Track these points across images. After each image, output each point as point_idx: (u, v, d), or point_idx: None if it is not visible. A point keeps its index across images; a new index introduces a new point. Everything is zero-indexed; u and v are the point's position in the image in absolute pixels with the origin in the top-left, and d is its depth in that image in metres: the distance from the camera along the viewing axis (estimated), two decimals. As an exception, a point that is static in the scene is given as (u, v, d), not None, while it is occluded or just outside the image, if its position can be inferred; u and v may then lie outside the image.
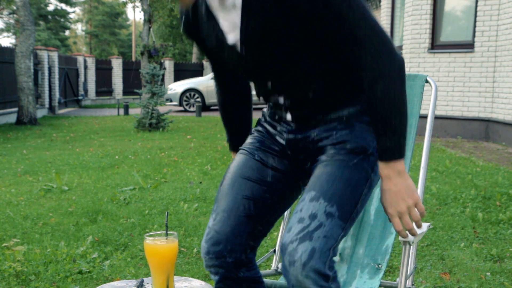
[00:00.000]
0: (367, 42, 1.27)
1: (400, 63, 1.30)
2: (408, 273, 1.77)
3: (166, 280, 1.42)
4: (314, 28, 1.30)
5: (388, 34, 1.42)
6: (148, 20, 11.62)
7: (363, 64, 1.29)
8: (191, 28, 1.53)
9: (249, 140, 1.62)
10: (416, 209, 1.32)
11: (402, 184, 1.31)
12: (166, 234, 1.43)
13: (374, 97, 1.30)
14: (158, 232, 1.44)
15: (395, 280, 2.23)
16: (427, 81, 2.15)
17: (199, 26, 1.49)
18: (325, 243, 1.30)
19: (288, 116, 1.49)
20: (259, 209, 1.50)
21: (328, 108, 1.45)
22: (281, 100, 1.47)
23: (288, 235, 1.32)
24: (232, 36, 1.40)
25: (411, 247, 1.73)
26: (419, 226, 1.35)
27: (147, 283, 1.56)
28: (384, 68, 1.28)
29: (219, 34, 1.42)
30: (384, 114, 1.29)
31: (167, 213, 1.52)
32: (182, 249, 3.36)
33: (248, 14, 1.33)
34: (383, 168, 1.32)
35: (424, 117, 2.16)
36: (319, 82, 1.40)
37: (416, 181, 2.03)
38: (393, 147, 1.30)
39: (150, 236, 1.42)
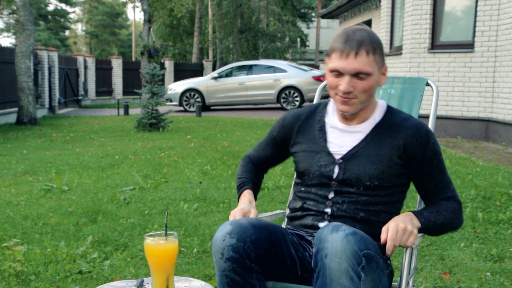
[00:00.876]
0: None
1: (461, 222, 1.78)
2: (409, 273, 1.77)
3: (166, 280, 1.42)
4: (412, 176, 1.76)
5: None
6: (148, 20, 11.61)
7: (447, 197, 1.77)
8: (294, 125, 1.86)
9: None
10: (409, 238, 1.59)
11: (412, 222, 1.64)
12: (166, 234, 1.42)
13: (445, 211, 1.72)
14: (158, 232, 1.43)
15: (395, 281, 2.23)
16: (428, 84, 2.17)
17: (299, 132, 1.85)
18: None
19: (322, 225, 1.75)
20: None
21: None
22: (328, 210, 1.74)
23: None
24: (334, 149, 1.76)
25: (413, 248, 1.74)
26: (400, 245, 1.60)
27: (147, 283, 1.55)
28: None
29: (322, 143, 1.78)
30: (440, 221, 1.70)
31: (167, 213, 1.52)
32: (182, 249, 3.36)
33: (370, 140, 1.73)
34: (412, 215, 1.68)
35: (425, 117, 2.17)
36: (375, 210, 1.73)
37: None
38: (425, 224, 1.68)
39: (150, 236, 1.42)
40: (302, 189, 1.81)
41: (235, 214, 1.72)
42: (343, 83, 1.64)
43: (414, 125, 1.71)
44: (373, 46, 1.64)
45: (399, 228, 1.57)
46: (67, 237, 3.63)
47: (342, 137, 1.76)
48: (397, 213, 1.80)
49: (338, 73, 1.65)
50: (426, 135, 1.70)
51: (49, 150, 8.07)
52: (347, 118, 1.75)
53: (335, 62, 1.64)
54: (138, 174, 5.84)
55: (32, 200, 4.76)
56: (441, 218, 1.68)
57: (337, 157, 1.73)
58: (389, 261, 1.71)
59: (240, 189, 1.92)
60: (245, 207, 1.76)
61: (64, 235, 3.69)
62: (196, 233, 3.70)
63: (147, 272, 2.99)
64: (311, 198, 1.77)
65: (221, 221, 3.99)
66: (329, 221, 1.71)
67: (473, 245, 3.35)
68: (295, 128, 1.84)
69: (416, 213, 1.66)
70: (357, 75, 1.63)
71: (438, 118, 8.81)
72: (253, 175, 1.97)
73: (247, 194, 1.86)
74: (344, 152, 1.73)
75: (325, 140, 1.77)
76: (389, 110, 1.78)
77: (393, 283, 1.94)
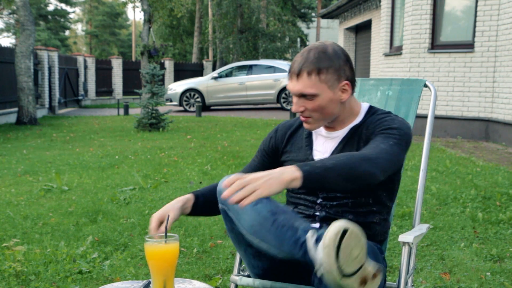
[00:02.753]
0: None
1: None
2: (408, 273, 1.77)
3: (163, 283, 1.40)
4: None
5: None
6: (148, 20, 11.61)
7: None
8: (282, 140, 1.87)
9: None
10: (245, 194, 1.35)
11: (274, 180, 1.38)
12: (166, 237, 1.42)
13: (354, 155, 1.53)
14: (159, 234, 1.42)
15: (395, 281, 2.23)
16: (426, 85, 2.18)
17: (288, 142, 1.85)
18: None
19: (315, 225, 1.72)
20: None
21: None
22: (318, 213, 1.74)
23: None
24: (318, 157, 1.75)
25: (411, 247, 1.74)
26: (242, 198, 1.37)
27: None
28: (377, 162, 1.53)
29: (308, 151, 1.79)
30: (342, 163, 1.47)
31: (168, 216, 1.50)
32: (182, 249, 3.36)
33: (345, 143, 1.73)
34: (294, 169, 1.41)
35: (423, 117, 2.17)
36: (364, 211, 1.71)
37: (416, 181, 2.03)
38: (310, 170, 1.42)
39: (150, 237, 1.41)
40: (292, 194, 1.83)
41: (151, 223, 1.61)
42: (294, 104, 1.70)
43: (382, 116, 1.72)
44: (318, 67, 1.61)
45: (244, 180, 1.36)
46: (67, 237, 3.63)
47: (325, 144, 1.78)
48: (388, 212, 1.80)
49: (291, 93, 1.70)
50: (385, 118, 1.70)
51: (49, 150, 8.07)
52: (329, 126, 1.77)
53: (288, 83, 1.69)
54: (138, 174, 5.83)
55: (32, 200, 4.76)
56: (335, 160, 1.46)
57: None
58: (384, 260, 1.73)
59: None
60: (155, 217, 1.62)
61: (64, 235, 3.69)
62: (196, 233, 3.70)
63: (147, 272, 2.99)
64: (301, 203, 1.79)
65: (221, 221, 3.99)
66: (320, 224, 1.72)
67: (473, 245, 3.35)
68: (285, 138, 1.86)
69: (299, 164, 1.44)
70: (304, 96, 1.65)
71: (438, 118, 8.81)
72: (209, 189, 1.82)
73: (180, 197, 1.74)
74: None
75: (311, 148, 1.79)
76: (370, 111, 1.78)
77: (392, 282, 1.95)
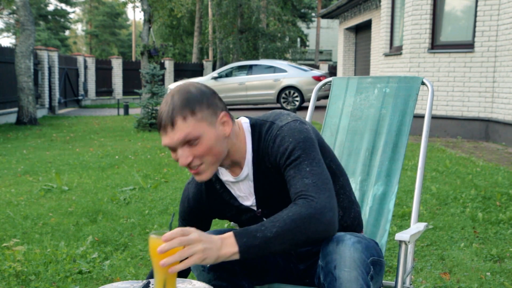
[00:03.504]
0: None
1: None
2: (406, 272, 1.77)
3: (164, 280, 1.39)
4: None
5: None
6: (148, 20, 11.62)
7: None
8: (203, 202, 1.73)
9: None
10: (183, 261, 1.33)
11: (212, 252, 1.35)
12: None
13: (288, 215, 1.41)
14: (163, 231, 1.40)
15: (393, 280, 2.23)
16: (423, 83, 2.18)
17: (211, 200, 1.72)
18: None
19: (281, 260, 1.73)
20: None
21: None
22: None
23: None
24: (249, 201, 1.65)
25: (408, 246, 1.74)
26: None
27: (153, 285, 1.55)
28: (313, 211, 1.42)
29: (235, 202, 1.67)
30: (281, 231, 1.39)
31: (173, 214, 1.50)
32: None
33: (258, 183, 1.60)
34: (232, 242, 1.37)
35: (422, 117, 2.18)
36: None
37: (414, 181, 2.04)
38: (249, 243, 1.37)
39: (156, 233, 1.40)
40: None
41: None
42: (179, 158, 1.50)
43: (273, 142, 1.55)
44: (190, 108, 1.48)
45: (185, 239, 1.31)
46: (67, 237, 3.63)
47: (242, 188, 1.65)
48: (345, 197, 1.71)
49: (171, 148, 1.51)
50: (277, 136, 1.54)
51: (49, 150, 8.07)
52: (227, 169, 1.64)
53: (163, 139, 1.51)
54: (138, 174, 5.83)
55: (32, 200, 4.76)
56: (276, 226, 1.38)
57: (255, 208, 1.67)
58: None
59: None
60: None
61: (64, 235, 3.69)
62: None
63: (147, 272, 2.99)
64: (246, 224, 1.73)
65: (221, 221, 3.99)
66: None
67: (473, 245, 3.35)
68: (204, 204, 1.74)
69: (237, 233, 1.39)
70: (187, 143, 1.49)
71: (438, 118, 8.81)
72: None
73: None
74: (255, 203, 1.65)
75: (235, 199, 1.67)
76: (254, 133, 1.61)
77: (390, 282, 1.95)
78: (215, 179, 1.69)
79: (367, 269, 1.43)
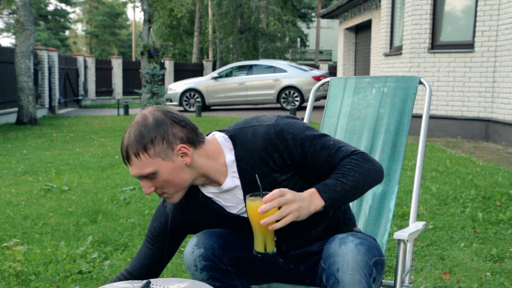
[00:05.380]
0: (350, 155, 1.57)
1: (379, 166, 1.57)
2: (405, 271, 1.77)
3: (264, 239, 1.45)
4: (306, 175, 1.59)
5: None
6: (148, 20, 11.62)
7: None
8: (185, 217, 1.74)
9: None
10: (282, 215, 1.40)
11: (303, 209, 1.44)
12: (261, 195, 1.43)
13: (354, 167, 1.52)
14: (257, 193, 1.45)
15: (392, 279, 2.23)
16: (421, 82, 2.18)
17: (193, 213, 1.72)
18: None
19: (280, 260, 1.74)
20: None
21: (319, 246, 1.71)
22: (283, 247, 1.70)
23: None
24: (236, 209, 1.65)
25: (407, 245, 1.74)
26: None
27: (153, 285, 1.55)
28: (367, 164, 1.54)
29: (225, 212, 1.66)
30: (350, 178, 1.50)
31: (257, 176, 1.52)
32: (182, 249, 3.36)
33: (248, 189, 1.58)
34: (318, 197, 1.47)
35: (421, 117, 2.18)
36: (319, 224, 1.66)
37: (414, 181, 2.04)
38: (332, 196, 1.48)
39: (252, 195, 1.45)
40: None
41: None
42: (142, 187, 1.57)
43: (263, 139, 1.56)
44: (142, 144, 1.49)
45: (283, 199, 1.39)
46: (67, 237, 3.63)
47: (228, 198, 1.65)
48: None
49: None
50: (279, 139, 1.55)
51: (49, 150, 8.07)
52: (207, 184, 1.64)
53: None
54: (138, 174, 5.83)
55: (32, 200, 4.76)
56: (351, 179, 1.49)
57: (244, 215, 1.65)
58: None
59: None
60: None
61: (64, 235, 3.69)
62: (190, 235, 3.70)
63: (147, 272, 2.99)
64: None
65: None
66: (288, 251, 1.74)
67: (473, 245, 3.35)
68: (184, 218, 1.74)
69: (319, 189, 1.48)
70: (146, 177, 1.54)
71: (438, 118, 8.81)
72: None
73: None
74: (244, 210, 1.63)
75: (222, 208, 1.66)
76: (234, 141, 1.61)
77: (389, 281, 1.95)
78: (196, 192, 1.68)
79: (369, 271, 1.43)
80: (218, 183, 1.62)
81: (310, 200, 1.45)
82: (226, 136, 1.63)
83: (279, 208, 1.40)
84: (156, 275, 1.80)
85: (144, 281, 1.52)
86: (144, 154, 1.50)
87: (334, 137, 1.61)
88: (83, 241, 3.50)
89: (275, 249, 1.47)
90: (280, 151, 1.54)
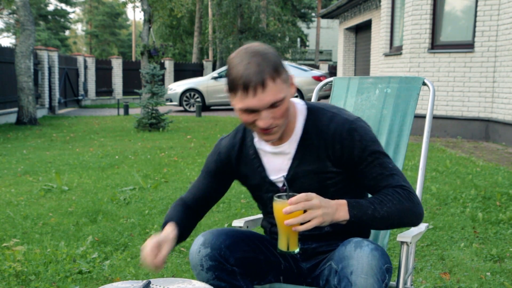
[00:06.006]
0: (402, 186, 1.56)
1: (421, 212, 1.56)
2: (407, 273, 1.77)
3: (287, 238, 1.47)
4: (349, 174, 1.61)
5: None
6: (148, 20, 11.61)
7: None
8: (231, 165, 1.75)
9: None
10: (305, 220, 1.42)
11: (328, 216, 1.45)
12: (288, 196, 1.45)
13: (393, 198, 1.52)
14: (284, 194, 1.48)
15: (394, 281, 2.23)
16: (424, 83, 2.18)
17: (240, 161, 1.74)
18: None
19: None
20: None
21: (332, 243, 1.70)
22: None
23: None
24: (276, 176, 1.68)
25: (410, 247, 1.74)
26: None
27: (153, 285, 1.55)
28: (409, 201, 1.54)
29: (262, 173, 1.69)
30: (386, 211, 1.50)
31: (284, 177, 1.59)
32: (182, 249, 3.36)
33: (299, 160, 1.63)
34: (345, 210, 1.48)
35: (422, 117, 2.18)
36: (336, 224, 1.56)
37: (416, 181, 2.03)
38: (358, 216, 1.48)
39: (279, 196, 1.48)
40: (271, 215, 1.78)
41: (142, 251, 1.56)
42: (262, 120, 1.50)
43: (336, 127, 1.59)
44: (274, 68, 1.47)
45: (309, 203, 1.41)
46: (67, 237, 3.63)
47: (275, 161, 1.67)
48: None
49: (252, 110, 1.50)
50: (349, 135, 1.57)
51: (49, 150, 8.07)
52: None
53: (245, 101, 1.48)
54: (138, 174, 5.84)
55: (32, 200, 4.76)
56: (385, 210, 1.48)
57: (280, 185, 1.68)
58: None
59: (163, 226, 1.73)
60: (151, 243, 1.56)
61: (64, 235, 3.69)
62: (196, 233, 3.70)
63: (147, 272, 2.99)
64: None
65: (221, 221, 3.99)
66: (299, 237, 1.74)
67: (473, 245, 3.35)
68: (232, 160, 1.75)
69: (350, 204, 1.48)
70: (272, 106, 1.49)
71: (438, 118, 8.81)
72: (183, 216, 1.77)
73: (167, 228, 1.66)
74: (282, 179, 1.68)
75: (264, 169, 1.69)
76: (310, 114, 1.64)
77: (391, 282, 1.95)
78: (250, 144, 1.72)
79: (382, 277, 1.44)
80: (279, 141, 1.65)
81: (336, 210, 1.45)
82: (305, 106, 1.66)
83: (305, 211, 1.41)
84: (206, 209, 1.84)
85: (144, 281, 1.53)
86: (278, 78, 1.48)
87: (395, 163, 1.61)
88: (83, 241, 3.50)
89: (297, 249, 1.49)
90: (343, 146, 1.57)
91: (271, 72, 1.46)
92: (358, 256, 1.43)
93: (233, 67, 1.48)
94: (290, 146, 1.64)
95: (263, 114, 1.49)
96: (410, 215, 1.52)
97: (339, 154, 1.58)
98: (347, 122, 1.58)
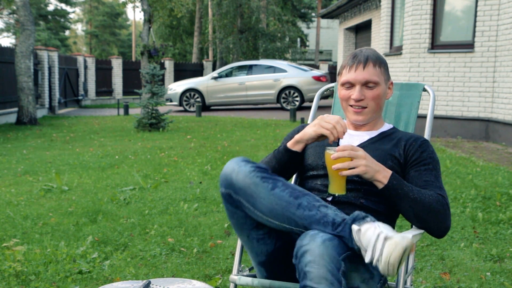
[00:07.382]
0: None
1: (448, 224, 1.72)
2: (407, 273, 1.78)
3: (335, 183, 1.68)
4: (405, 172, 1.83)
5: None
6: (148, 20, 11.61)
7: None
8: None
9: None
10: (353, 165, 1.65)
11: (370, 170, 1.67)
12: (338, 144, 1.78)
13: (425, 198, 1.68)
14: (335, 145, 1.80)
15: (394, 281, 2.23)
16: (425, 90, 2.20)
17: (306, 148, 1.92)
18: None
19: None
20: None
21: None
22: (330, 198, 1.82)
23: None
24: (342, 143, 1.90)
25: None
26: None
27: (153, 285, 1.55)
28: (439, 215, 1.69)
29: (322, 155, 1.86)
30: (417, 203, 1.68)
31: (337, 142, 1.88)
32: (182, 249, 3.36)
33: (372, 142, 1.88)
34: (387, 175, 1.69)
35: (423, 117, 2.19)
36: (373, 203, 1.79)
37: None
38: (395, 187, 1.68)
39: (330, 146, 1.74)
40: (307, 182, 1.90)
41: (334, 125, 1.73)
42: (355, 92, 1.83)
43: (413, 136, 1.89)
44: (379, 61, 1.86)
45: (354, 152, 1.63)
46: (67, 237, 3.63)
47: (350, 139, 1.91)
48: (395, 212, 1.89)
49: (350, 85, 1.85)
50: (424, 142, 1.85)
51: (49, 150, 8.07)
52: (357, 127, 1.93)
53: (346, 75, 1.85)
54: (138, 174, 5.84)
55: (32, 200, 4.76)
56: (419, 195, 1.67)
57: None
58: None
59: (280, 147, 1.90)
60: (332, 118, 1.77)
61: (64, 235, 3.69)
62: (196, 233, 3.70)
63: (147, 272, 2.99)
64: (316, 188, 1.85)
65: (221, 221, 3.99)
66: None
67: (473, 245, 3.35)
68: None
69: (393, 175, 1.69)
70: (366, 84, 1.83)
71: (438, 118, 8.81)
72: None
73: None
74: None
75: (336, 143, 1.89)
76: (395, 127, 1.98)
77: (390, 282, 1.95)
78: None
79: (337, 265, 1.45)
80: (360, 126, 1.92)
81: (379, 169, 1.66)
82: (391, 125, 2.01)
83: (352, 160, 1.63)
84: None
85: (144, 281, 1.53)
86: (381, 67, 1.86)
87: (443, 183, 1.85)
88: (83, 241, 3.50)
89: (344, 193, 1.69)
90: (410, 147, 1.83)
91: (377, 60, 1.85)
92: (311, 247, 1.46)
93: (350, 54, 1.89)
94: (373, 133, 1.91)
95: (356, 88, 1.84)
96: (437, 217, 1.67)
97: (403, 153, 1.82)
98: (422, 137, 1.90)
